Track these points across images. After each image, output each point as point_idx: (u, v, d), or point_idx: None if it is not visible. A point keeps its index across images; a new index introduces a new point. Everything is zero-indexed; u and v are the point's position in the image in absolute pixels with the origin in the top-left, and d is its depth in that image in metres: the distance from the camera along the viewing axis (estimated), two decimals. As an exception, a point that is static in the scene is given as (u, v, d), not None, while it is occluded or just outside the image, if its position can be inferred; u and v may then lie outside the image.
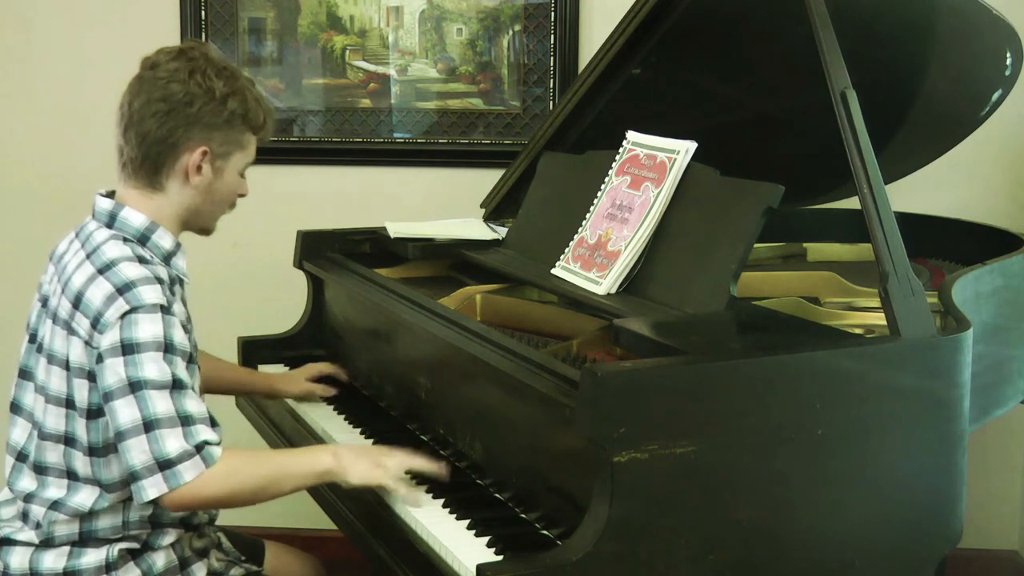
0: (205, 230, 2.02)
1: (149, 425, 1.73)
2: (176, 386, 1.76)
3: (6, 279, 3.35)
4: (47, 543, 1.87)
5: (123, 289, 1.78)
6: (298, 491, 1.94)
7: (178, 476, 1.74)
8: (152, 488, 1.74)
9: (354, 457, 1.89)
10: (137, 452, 1.74)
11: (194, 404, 1.78)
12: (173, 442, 1.74)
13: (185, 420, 1.75)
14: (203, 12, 3.25)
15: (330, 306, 2.70)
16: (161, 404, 1.74)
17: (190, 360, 1.85)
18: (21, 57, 3.33)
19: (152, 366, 1.74)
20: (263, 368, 2.66)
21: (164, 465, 1.73)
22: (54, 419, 1.84)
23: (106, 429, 1.81)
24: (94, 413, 1.82)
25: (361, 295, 2.43)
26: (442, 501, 1.88)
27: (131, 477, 1.76)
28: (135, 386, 1.74)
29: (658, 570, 1.60)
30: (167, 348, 1.77)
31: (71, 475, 1.86)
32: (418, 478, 1.96)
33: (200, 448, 1.76)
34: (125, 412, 1.74)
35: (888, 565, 1.78)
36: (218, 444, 1.79)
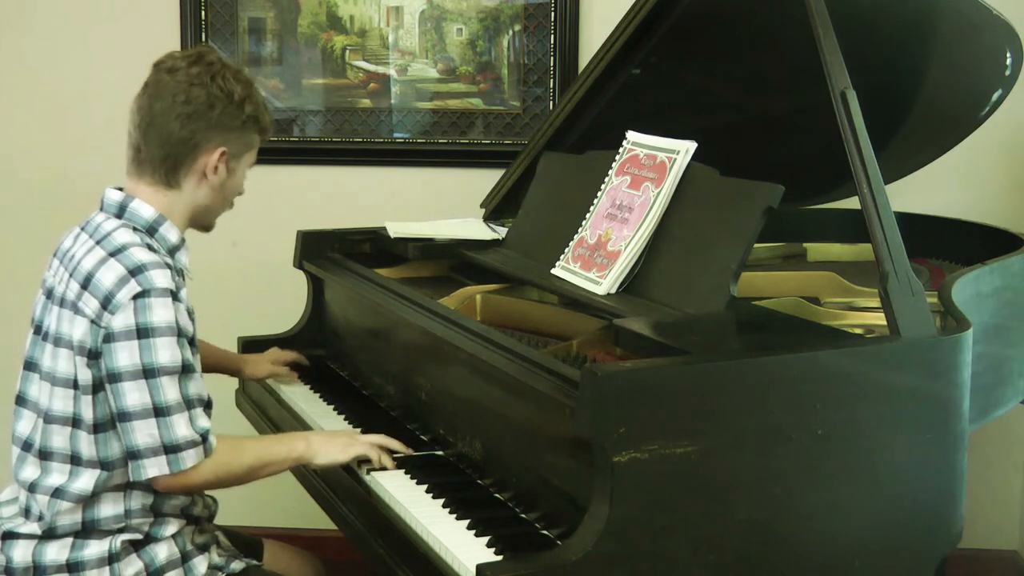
0: (207, 227, 2.07)
1: (160, 411, 1.82)
2: (185, 370, 1.85)
3: (8, 277, 3.35)
4: (50, 534, 1.88)
5: (135, 271, 1.83)
6: (275, 475, 2.06)
7: (181, 461, 1.84)
8: (153, 468, 1.83)
9: (323, 441, 2.04)
10: (143, 434, 1.82)
11: (195, 387, 1.88)
12: (182, 429, 1.84)
13: (188, 404, 1.85)
14: (203, 12, 3.25)
15: (330, 306, 2.70)
16: (171, 391, 1.83)
17: (192, 343, 1.92)
18: (22, 57, 3.33)
19: (165, 352, 1.82)
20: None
21: (170, 449, 1.83)
22: (61, 402, 1.87)
23: (105, 405, 1.86)
24: (97, 388, 1.86)
25: (361, 295, 2.43)
26: (442, 501, 1.88)
27: (131, 455, 1.84)
28: (149, 372, 1.81)
29: (658, 570, 1.60)
30: (179, 332, 1.84)
31: (74, 459, 1.88)
32: (419, 478, 1.98)
33: (205, 438, 1.86)
34: (134, 395, 1.81)
35: (888, 565, 1.78)
36: (210, 432, 1.90)
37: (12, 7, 3.32)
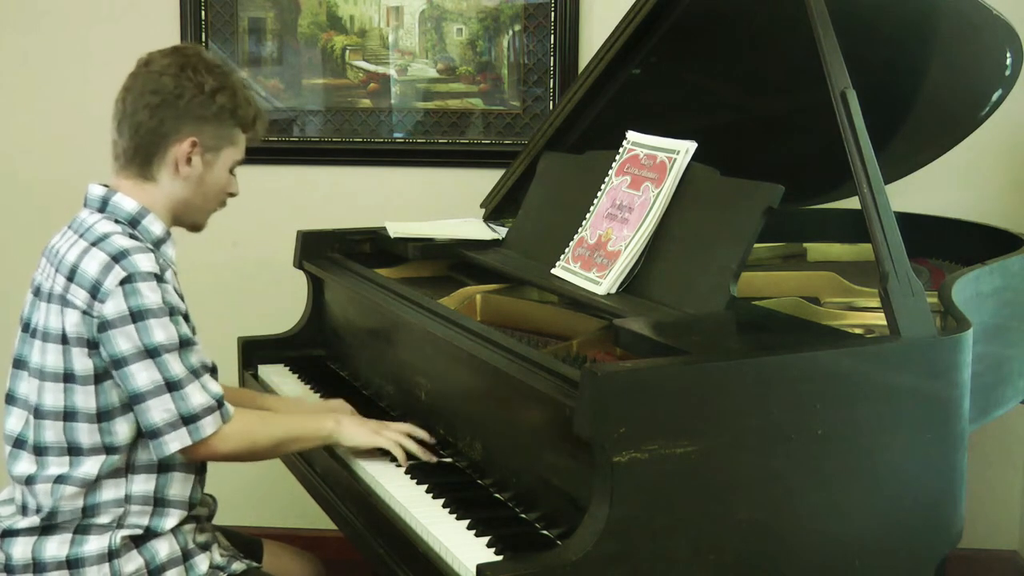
0: (196, 226, 2.06)
1: (172, 385, 1.84)
2: (184, 344, 1.86)
3: (7, 278, 3.35)
4: (50, 523, 1.88)
5: (118, 257, 1.84)
6: (301, 451, 2.12)
7: (200, 429, 1.85)
8: (175, 442, 1.85)
9: (354, 424, 2.06)
10: (158, 411, 1.83)
11: (196, 357, 1.89)
12: (197, 397, 1.86)
13: (196, 374, 1.87)
14: (203, 12, 3.25)
15: (330, 306, 2.70)
16: (176, 365, 1.84)
17: (186, 318, 1.92)
18: (22, 57, 3.33)
19: (161, 331, 1.83)
20: (263, 368, 2.66)
21: (188, 420, 1.85)
22: (52, 396, 1.88)
23: (112, 392, 1.87)
24: (100, 378, 1.86)
25: (361, 295, 2.43)
26: (442, 501, 1.88)
27: (151, 435, 1.85)
28: (151, 352, 1.83)
29: (658, 570, 1.60)
30: (171, 311, 1.85)
31: (72, 450, 1.88)
32: (419, 478, 1.97)
33: (220, 403, 1.88)
34: (143, 375, 1.82)
35: (888, 565, 1.78)
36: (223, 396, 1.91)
37: (13, 7, 3.32)
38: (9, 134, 3.37)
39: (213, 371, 1.94)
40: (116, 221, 1.92)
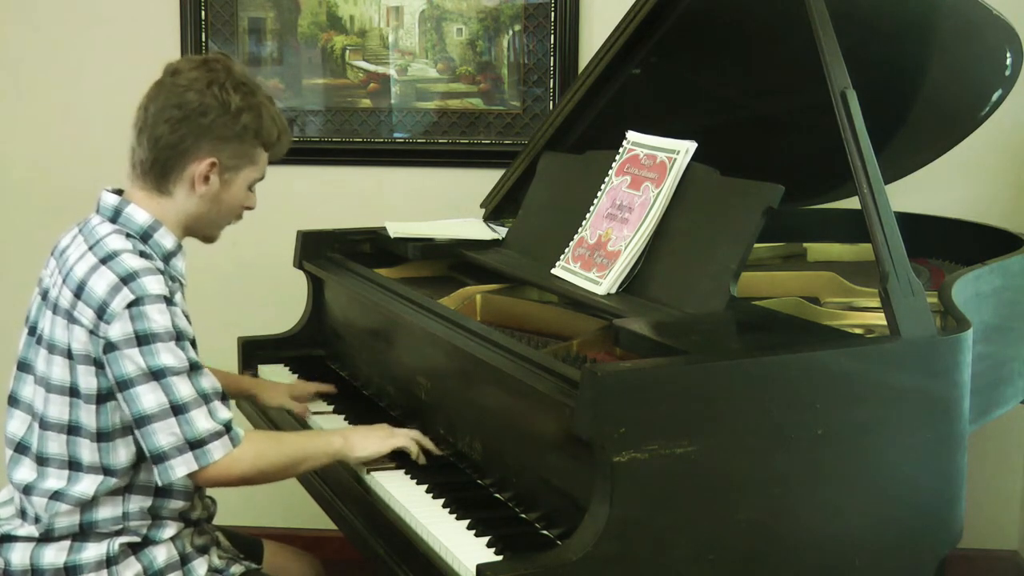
0: (208, 238, 2.04)
1: (178, 408, 1.80)
2: (193, 368, 1.83)
3: (4, 276, 3.35)
4: (47, 536, 1.88)
5: (127, 279, 1.81)
6: (312, 471, 2.09)
7: (208, 455, 1.82)
8: (182, 467, 1.81)
9: (361, 437, 2.02)
10: (164, 434, 1.80)
11: (208, 381, 1.86)
12: (202, 422, 1.82)
13: (205, 398, 1.83)
14: (203, 12, 3.25)
15: (330, 306, 2.70)
16: (184, 388, 1.81)
17: (193, 344, 1.89)
18: (21, 55, 3.33)
19: (168, 354, 1.80)
20: (263, 368, 2.66)
21: (195, 444, 1.81)
22: (56, 408, 1.86)
23: (114, 414, 1.85)
24: (103, 398, 1.84)
25: (361, 295, 2.43)
26: (442, 501, 1.88)
27: (156, 459, 1.81)
28: (157, 374, 1.79)
29: (658, 570, 1.60)
30: (178, 336, 1.82)
31: (73, 465, 1.87)
32: (419, 478, 1.97)
33: (228, 428, 1.84)
34: (149, 398, 1.79)
35: (888, 565, 1.78)
36: (232, 421, 1.88)
37: (12, 7, 3.32)
38: (7, 134, 3.37)
39: (224, 397, 1.90)
40: (128, 235, 1.89)
